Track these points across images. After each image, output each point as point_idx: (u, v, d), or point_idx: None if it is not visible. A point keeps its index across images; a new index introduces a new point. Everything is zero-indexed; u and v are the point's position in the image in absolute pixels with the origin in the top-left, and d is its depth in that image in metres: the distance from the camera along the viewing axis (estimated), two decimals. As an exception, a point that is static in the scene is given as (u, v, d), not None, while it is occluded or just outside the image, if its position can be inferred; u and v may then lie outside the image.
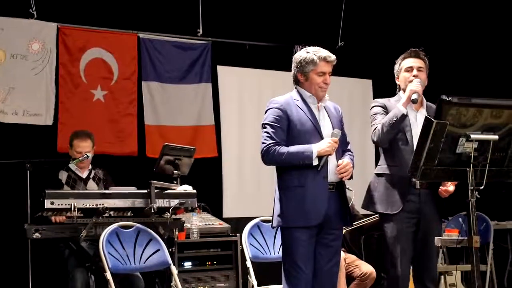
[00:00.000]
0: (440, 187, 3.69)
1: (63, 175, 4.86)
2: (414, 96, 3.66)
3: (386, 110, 3.79)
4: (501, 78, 7.11)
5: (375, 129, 3.74)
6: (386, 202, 3.71)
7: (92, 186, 4.89)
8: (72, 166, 4.90)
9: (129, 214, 4.48)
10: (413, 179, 3.57)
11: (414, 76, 3.78)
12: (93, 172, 4.99)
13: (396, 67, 3.91)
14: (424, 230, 3.71)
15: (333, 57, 3.56)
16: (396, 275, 3.68)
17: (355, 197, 4.67)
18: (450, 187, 3.69)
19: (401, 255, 3.67)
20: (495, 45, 7.19)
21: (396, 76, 3.93)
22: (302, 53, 3.59)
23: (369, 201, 3.81)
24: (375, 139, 3.72)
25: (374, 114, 3.82)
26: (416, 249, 3.73)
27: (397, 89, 3.94)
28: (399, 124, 3.67)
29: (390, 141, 3.72)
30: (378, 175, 3.81)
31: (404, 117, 3.65)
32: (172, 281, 4.27)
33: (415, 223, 3.70)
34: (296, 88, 3.62)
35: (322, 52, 3.55)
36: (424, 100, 3.86)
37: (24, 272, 4.94)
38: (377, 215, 3.99)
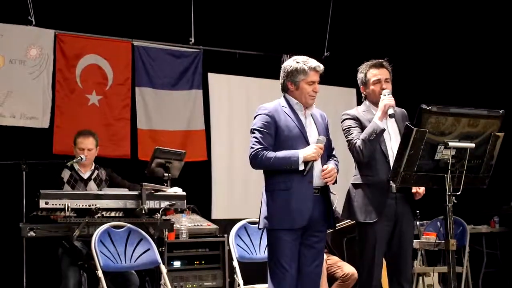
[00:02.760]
0: (415, 188, 3.68)
1: (65, 174, 4.86)
2: (391, 111, 3.66)
3: (358, 121, 3.79)
4: (479, 87, 7.26)
5: (354, 145, 3.71)
6: (365, 211, 3.69)
7: (92, 187, 4.88)
8: (75, 165, 4.88)
9: (120, 214, 4.53)
10: (391, 184, 3.61)
11: (382, 88, 3.77)
12: (95, 172, 4.96)
13: (361, 76, 3.88)
14: (400, 231, 3.73)
15: (322, 67, 3.60)
16: (370, 283, 3.70)
17: (338, 201, 4.74)
18: (421, 188, 3.69)
19: (377, 262, 3.70)
20: (473, 55, 7.33)
21: (360, 86, 3.90)
22: (292, 63, 3.59)
23: (348, 211, 3.80)
24: (355, 155, 3.70)
25: (348, 128, 3.80)
26: (391, 250, 3.76)
27: (363, 98, 3.94)
28: (379, 139, 3.67)
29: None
30: (355, 185, 3.79)
31: (383, 131, 3.67)
32: (161, 279, 4.28)
33: (393, 226, 3.73)
34: (284, 95, 3.65)
35: (312, 63, 3.58)
36: None
37: (19, 269, 4.97)
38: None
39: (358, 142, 3.69)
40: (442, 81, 7.50)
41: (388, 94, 3.74)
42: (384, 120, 3.77)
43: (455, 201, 3.23)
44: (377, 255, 3.70)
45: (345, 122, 3.83)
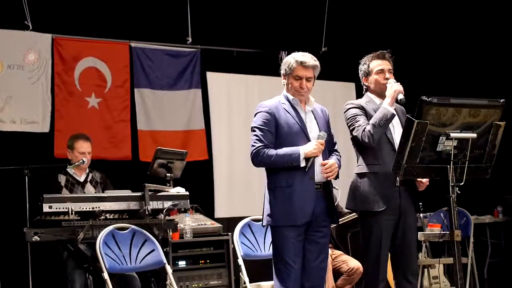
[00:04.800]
0: (419, 179, 3.67)
1: (61, 179, 4.91)
2: (401, 96, 3.65)
3: (363, 110, 3.77)
4: (478, 77, 7.31)
5: (363, 130, 3.67)
6: (371, 200, 3.67)
7: (89, 189, 4.94)
8: (70, 170, 4.93)
9: (124, 216, 4.54)
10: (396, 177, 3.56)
11: (386, 78, 3.77)
12: (90, 175, 5.03)
13: (363, 68, 3.88)
14: (404, 225, 3.73)
15: (310, 62, 3.53)
16: (377, 276, 3.70)
17: (341, 195, 4.78)
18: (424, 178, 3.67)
19: (383, 253, 3.69)
20: (471, 48, 7.38)
21: (362, 77, 3.90)
22: (287, 57, 3.63)
23: (353, 200, 3.77)
24: (366, 140, 3.64)
25: (354, 116, 3.76)
26: (396, 243, 3.74)
27: (364, 90, 3.93)
28: (388, 124, 3.66)
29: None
30: (359, 175, 3.77)
31: (393, 116, 3.65)
32: (167, 279, 4.29)
33: (396, 219, 3.71)
34: (283, 92, 3.65)
35: (302, 57, 3.54)
36: None
37: (25, 274, 5.00)
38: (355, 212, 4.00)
39: (368, 127, 3.66)
40: (441, 73, 7.53)
41: (395, 83, 3.74)
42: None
43: (459, 192, 3.22)
44: (383, 248, 3.69)
45: (350, 110, 3.81)
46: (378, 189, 3.68)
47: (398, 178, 3.61)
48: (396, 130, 3.77)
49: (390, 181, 3.66)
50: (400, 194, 3.71)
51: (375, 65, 3.83)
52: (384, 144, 3.71)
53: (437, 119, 3.13)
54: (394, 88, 3.70)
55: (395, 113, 3.68)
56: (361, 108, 3.79)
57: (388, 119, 3.65)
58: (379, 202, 3.66)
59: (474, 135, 3.20)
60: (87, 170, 5.05)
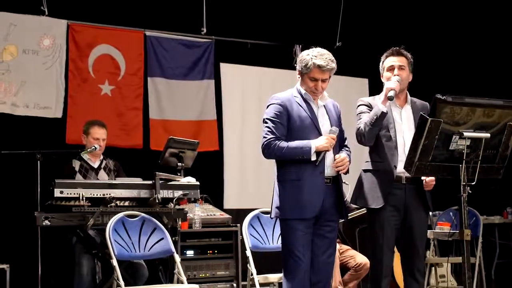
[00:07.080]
0: (424, 179, 3.70)
1: (76, 164, 4.94)
2: (390, 94, 3.65)
3: (370, 108, 3.79)
4: (494, 77, 7.27)
5: (358, 129, 3.75)
6: (371, 196, 3.74)
7: (102, 176, 4.96)
8: (84, 156, 4.95)
9: (134, 204, 4.54)
10: (396, 174, 3.65)
11: (395, 75, 3.77)
12: (104, 162, 5.05)
13: (380, 65, 3.92)
14: (410, 223, 3.76)
15: (328, 66, 3.49)
16: (380, 272, 3.74)
17: (350, 191, 4.79)
18: (427, 178, 3.70)
19: (385, 249, 3.73)
20: (488, 45, 7.33)
21: (381, 74, 3.94)
22: (305, 53, 3.57)
23: (356, 196, 3.86)
24: (358, 139, 3.74)
25: (359, 113, 3.83)
26: (403, 240, 3.80)
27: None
28: (380, 122, 3.68)
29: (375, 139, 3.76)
30: (364, 171, 3.85)
31: (384, 115, 3.66)
32: (175, 268, 4.29)
33: (402, 217, 3.75)
34: (297, 85, 3.64)
35: (320, 60, 3.49)
36: (409, 96, 3.89)
37: (34, 258, 5.04)
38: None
39: (361, 126, 3.73)
40: (458, 71, 7.48)
41: (398, 81, 3.74)
42: (398, 107, 3.81)
43: (470, 192, 3.22)
44: (384, 242, 3.73)
45: (358, 108, 3.86)
46: (378, 186, 3.73)
47: (403, 176, 3.67)
48: (406, 127, 3.79)
49: (389, 176, 3.71)
50: (406, 192, 3.73)
51: (387, 62, 3.86)
52: (386, 142, 3.75)
53: (451, 118, 3.11)
54: (386, 85, 3.72)
55: (385, 111, 3.67)
56: (369, 105, 3.82)
57: (378, 118, 3.66)
58: (378, 199, 3.72)
59: (488, 135, 3.18)
60: (101, 157, 5.07)
